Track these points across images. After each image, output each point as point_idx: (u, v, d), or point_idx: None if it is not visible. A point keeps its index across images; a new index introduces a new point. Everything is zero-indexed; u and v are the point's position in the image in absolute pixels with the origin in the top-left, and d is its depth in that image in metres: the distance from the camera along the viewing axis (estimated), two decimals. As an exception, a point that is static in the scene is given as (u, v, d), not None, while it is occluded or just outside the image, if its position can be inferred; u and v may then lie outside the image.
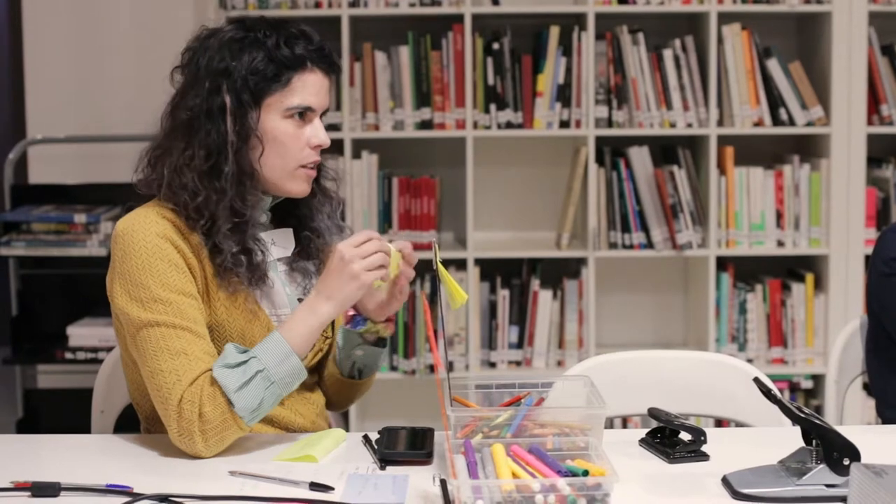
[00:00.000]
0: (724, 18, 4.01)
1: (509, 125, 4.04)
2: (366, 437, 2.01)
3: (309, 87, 2.08)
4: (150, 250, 2.00)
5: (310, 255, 2.18)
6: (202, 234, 2.05)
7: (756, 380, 1.92)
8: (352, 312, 2.16)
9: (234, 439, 1.96)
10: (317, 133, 2.10)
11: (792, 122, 4.03)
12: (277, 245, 2.15)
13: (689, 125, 4.03)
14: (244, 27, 2.08)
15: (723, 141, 4.05)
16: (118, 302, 2.01)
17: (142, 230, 2.02)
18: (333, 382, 2.26)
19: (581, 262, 4.10)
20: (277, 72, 2.05)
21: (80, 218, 3.96)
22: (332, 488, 1.79)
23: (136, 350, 2.00)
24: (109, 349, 2.90)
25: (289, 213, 2.19)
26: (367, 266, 1.99)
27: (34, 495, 1.76)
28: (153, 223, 2.03)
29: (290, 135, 2.08)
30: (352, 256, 1.99)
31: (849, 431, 1.79)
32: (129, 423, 2.34)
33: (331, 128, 3.88)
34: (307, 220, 2.19)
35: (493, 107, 4.03)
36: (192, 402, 1.92)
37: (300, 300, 2.14)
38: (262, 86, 2.05)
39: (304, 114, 2.08)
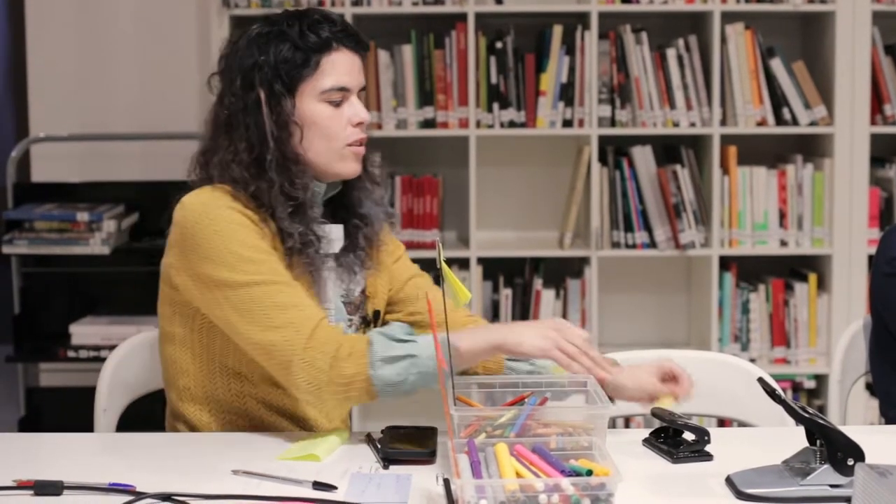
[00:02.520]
0: (728, 18, 4.01)
1: (512, 124, 4.03)
2: (369, 437, 2.01)
3: (339, 66, 2.10)
4: (227, 218, 2.01)
5: (357, 246, 2.18)
6: (270, 219, 2.06)
7: (760, 380, 1.92)
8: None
9: (356, 403, 1.98)
10: (356, 111, 2.12)
11: (795, 122, 4.02)
12: (329, 239, 2.15)
13: (693, 124, 4.02)
14: (269, 22, 2.12)
15: (726, 140, 4.05)
16: (200, 270, 2.00)
17: (214, 203, 2.03)
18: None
19: (584, 261, 4.10)
20: (306, 57, 2.07)
21: (82, 216, 3.96)
22: (335, 487, 1.79)
23: (236, 313, 1.98)
24: (112, 347, 2.90)
25: (339, 205, 2.19)
26: (563, 347, 1.94)
27: (37, 494, 1.76)
28: (222, 199, 2.04)
29: (328, 117, 2.09)
30: (563, 329, 1.97)
31: (852, 432, 1.79)
32: (132, 421, 2.34)
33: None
34: (356, 207, 2.20)
35: (496, 106, 4.02)
36: (323, 351, 1.93)
37: (343, 299, 2.15)
38: (293, 73, 2.07)
39: (340, 94, 2.09)
